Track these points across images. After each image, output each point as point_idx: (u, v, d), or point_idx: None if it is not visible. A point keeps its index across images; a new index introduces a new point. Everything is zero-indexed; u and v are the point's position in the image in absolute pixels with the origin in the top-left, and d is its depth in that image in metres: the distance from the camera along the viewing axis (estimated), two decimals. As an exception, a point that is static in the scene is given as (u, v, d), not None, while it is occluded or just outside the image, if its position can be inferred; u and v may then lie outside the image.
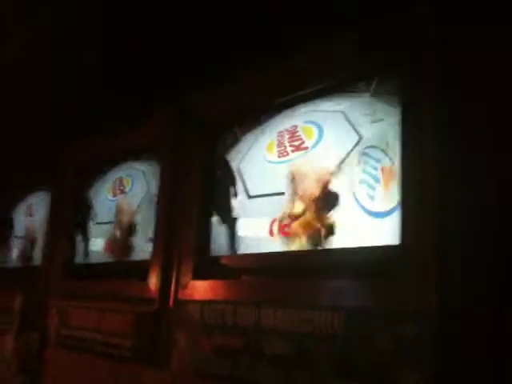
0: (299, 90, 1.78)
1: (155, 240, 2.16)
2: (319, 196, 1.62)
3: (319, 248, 1.59)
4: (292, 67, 1.77)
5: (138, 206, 2.42)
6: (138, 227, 2.38)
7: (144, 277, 2.10)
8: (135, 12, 1.94)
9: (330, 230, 1.56)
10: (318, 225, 1.60)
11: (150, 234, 2.25)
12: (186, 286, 1.92)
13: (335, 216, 1.57)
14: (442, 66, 1.36)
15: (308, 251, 1.62)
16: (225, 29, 1.91)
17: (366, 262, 1.45)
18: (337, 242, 1.55)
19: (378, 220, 1.46)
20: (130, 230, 2.42)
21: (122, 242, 2.45)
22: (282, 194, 1.75)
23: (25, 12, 2.05)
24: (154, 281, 2.05)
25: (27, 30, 2.18)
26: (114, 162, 2.68)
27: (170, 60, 2.15)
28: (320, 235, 1.59)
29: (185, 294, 1.92)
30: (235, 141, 2.02)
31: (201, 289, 1.86)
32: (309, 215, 1.64)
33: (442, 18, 1.37)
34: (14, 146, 3.22)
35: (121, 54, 2.21)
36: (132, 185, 2.53)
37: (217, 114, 2.07)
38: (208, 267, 1.90)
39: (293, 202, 1.70)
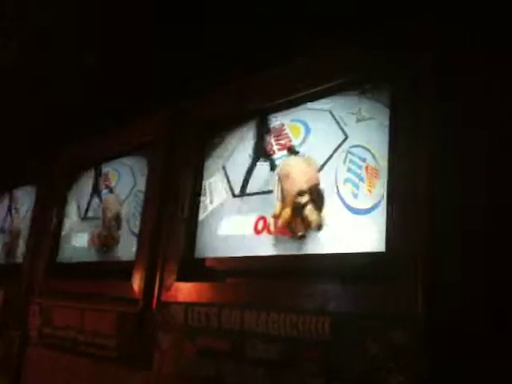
0: (298, 92, 1.75)
1: (140, 240, 2.13)
2: (307, 194, 1.60)
3: (306, 252, 1.56)
4: (292, 70, 1.75)
5: (124, 200, 2.39)
6: (123, 221, 2.35)
7: (128, 277, 2.07)
8: (135, 12, 1.91)
9: (318, 227, 1.55)
10: (303, 221, 1.58)
11: (134, 227, 2.23)
12: (169, 288, 1.89)
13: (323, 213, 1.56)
14: (440, 69, 1.34)
15: (294, 255, 1.59)
16: (225, 31, 1.88)
17: (353, 267, 1.42)
18: (322, 239, 1.53)
19: (361, 217, 1.45)
20: (115, 223, 2.39)
21: (107, 236, 2.42)
22: (268, 192, 1.73)
23: (25, 12, 2.02)
24: (137, 281, 2.02)
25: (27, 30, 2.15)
26: (108, 160, 2.63)
27: (168, 62, 2.12)
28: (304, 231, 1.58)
29: (168, 296, 1.88)
30: (222, 139, 1.99)
31: (185, 291, 1.83)
32: (294, 212, 1.62)
33: (441, 20, 1.36)
34: (6, 144, 3.16)
35: (120, 54, 2.18)
36: (118, 179, 2.49)
37: (214, 116, 2.04)
38: (192, 269, 1.87)
39: (279, 200, 1.68)
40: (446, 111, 1.31)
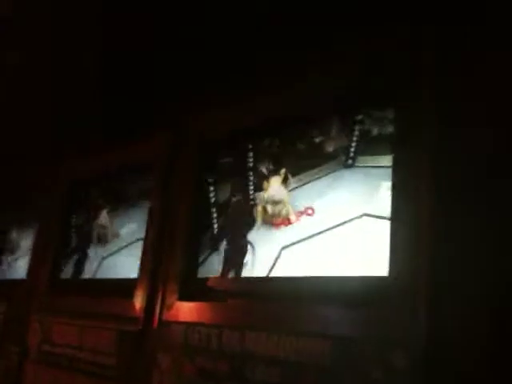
0: (298, 115, 1.77)
1: (142, 259, 2.13)
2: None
3: (308, 275, 1.57)
4: (292, 92, 1.77)
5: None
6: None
7: (129, 295, 2.07)
8: (136, 28, 1.94)
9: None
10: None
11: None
12: (171, 307, 1.88)
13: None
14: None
15: (296, 277, 1.60)
16: (225, 51, 1.91)
17: (356, 291, 1.42)
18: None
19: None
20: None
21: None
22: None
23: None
24: (139, 300, 2.02)
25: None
26: (108, 178, 2.65)
27: (170, 80, 2.15)
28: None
29: (170, 315, 1.88)
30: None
31: (186, 310, 1.83)
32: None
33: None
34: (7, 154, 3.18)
35: (122, 72, 2.21)
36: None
37: (215, 136, 2.06)
38: (194, 289, 1.87)
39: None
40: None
